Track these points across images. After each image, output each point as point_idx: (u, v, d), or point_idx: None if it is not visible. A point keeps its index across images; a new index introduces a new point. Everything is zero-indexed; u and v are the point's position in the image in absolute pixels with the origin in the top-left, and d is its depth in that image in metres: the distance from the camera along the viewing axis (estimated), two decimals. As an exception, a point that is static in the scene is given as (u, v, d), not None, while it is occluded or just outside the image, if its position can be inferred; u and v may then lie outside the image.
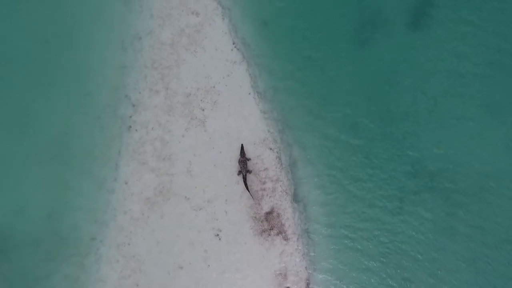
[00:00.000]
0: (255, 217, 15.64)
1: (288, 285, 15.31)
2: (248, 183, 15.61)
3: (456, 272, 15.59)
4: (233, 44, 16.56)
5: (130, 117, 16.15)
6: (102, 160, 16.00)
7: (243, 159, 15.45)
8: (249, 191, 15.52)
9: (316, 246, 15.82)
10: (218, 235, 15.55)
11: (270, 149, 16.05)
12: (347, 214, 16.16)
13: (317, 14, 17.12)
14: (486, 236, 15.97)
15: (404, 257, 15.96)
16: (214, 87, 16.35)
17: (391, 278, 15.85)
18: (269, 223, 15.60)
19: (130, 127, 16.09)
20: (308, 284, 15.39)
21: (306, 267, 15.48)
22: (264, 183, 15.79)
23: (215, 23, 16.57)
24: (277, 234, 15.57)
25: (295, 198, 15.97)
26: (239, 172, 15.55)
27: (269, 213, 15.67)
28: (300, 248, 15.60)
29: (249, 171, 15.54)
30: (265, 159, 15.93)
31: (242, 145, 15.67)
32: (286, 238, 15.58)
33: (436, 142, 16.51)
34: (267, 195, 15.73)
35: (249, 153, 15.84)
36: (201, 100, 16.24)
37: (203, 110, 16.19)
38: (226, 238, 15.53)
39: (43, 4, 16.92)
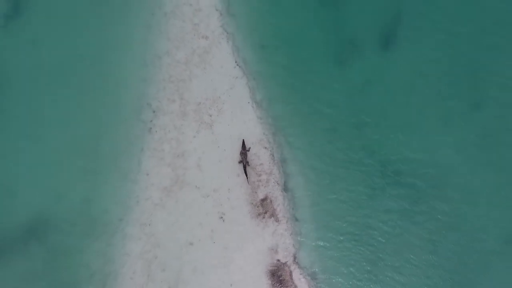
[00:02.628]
0: (252, 203, 18.83)
1: (278, 258, 18.45)
2: (247, 178, 18.82)
3: (411, 249, 18.71)
4: (236, 62, 19.78)
5: (151, 121, 19.30)
6: (127, 156, 19.01)
7: (244, 151, 18.69)
8: (247, 177, 18.72)
9: (301, 227, 18.88)
10: (222, 217, 18.71)
11: (265, 148, 19.32)
12: (328, 201, 19.17)
13: (304, 39, 20.38)
14: (441, 227, 18.80)
15: (371, 240, 18.83)
16: (219, 97, 19.58)
17: (362, 254, 18.80)
18: (263, 208, 18.79)
19: (151, 129, 19.25)
20: (295, 258, 18.54)
21: (293, 244, 18.59)
22: (259, 175, 19.07)
23: (221, 45, 19.82)
24: (270, 217, 18.75)
25: (285, 188, 19.12)
26: (240, 161, 18.79)
27: (264, 200, 18.89)
28: (289, 228, 18.72)
29: (248, 163, 18.77)
30: (261, 156, 19.18)
31: (243, 140, 18.92)
32: (277, 220, 18.77)
33: (400, 146, 19.50)
34: (262, 185, 18.99)
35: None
36: (209, 108, 19.49)
37: (210, 116, 19.44)
38: (228, 220, 18.67)
39: (79, 26, 20.08)
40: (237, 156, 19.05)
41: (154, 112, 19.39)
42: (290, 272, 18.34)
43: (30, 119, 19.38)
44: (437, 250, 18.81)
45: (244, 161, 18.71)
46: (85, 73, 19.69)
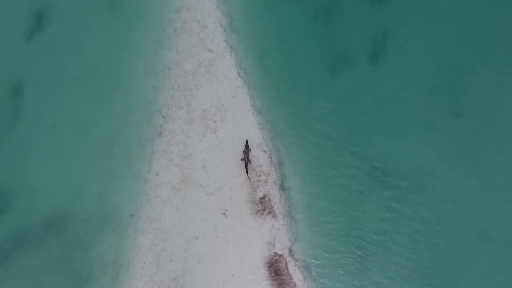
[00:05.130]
0: (252, 201, 20.53)
1: (275, 251, 20.12)
2: (247, 175, 20.54)
3: (394, 244, 20.42)
4: (238, 73, 21.45)
5: (161, 125, 20.93)
6: (139, 157, 20.61)
7: (246, 150, 20.36)
8: (247, 173, 20.38)
9: (297, 223, 20.54)
10: (224, 213, 20.36)
11: (264, 151, 21.00)
12: (321, 200, 20.79)
13: (299, 51, 22.03)
14: (423, 226, 20.24)
15: (360, 236, 20.38)
16: (223, 105, 21.23)
17: (351, 249, 20.38)
18: (262, 205, 20.49)
19: (161, 133, 20.89)
20: (290, 251, 20.24)
21: (289, 238, 20.27)
22: (259, 175, 20.79)
23: (225, 58, 21.50)
24: (268, 214, 20.42)
25: (282, 187, 20.79)
26: (242, 159, 20.48)
27: (263, 198, 20.58)
28: (285, 224, 20.38)
29: (249, 160, 20.53)
30: (260, 158, 20.87)
31: (246, 140, 20.58)
32: (275, 217, 20.44)
33: (386, 152, 20.96)
34: (261, 184, 20.71)
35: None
36: (213, 114, 21.16)
37: (215, 121, 21.10)
38: (230, 216, 20.31)
39: (96, 39, 21.77)
40: (239, 158, 20.68)
41: (163, 117, 21.02)
42: (286, 264, 20.01)
43: (50, 123, 21.01)
44: (419, 247, 20.42)
45: (246, 159, 20.39)
46: (101, 81, 21.35)
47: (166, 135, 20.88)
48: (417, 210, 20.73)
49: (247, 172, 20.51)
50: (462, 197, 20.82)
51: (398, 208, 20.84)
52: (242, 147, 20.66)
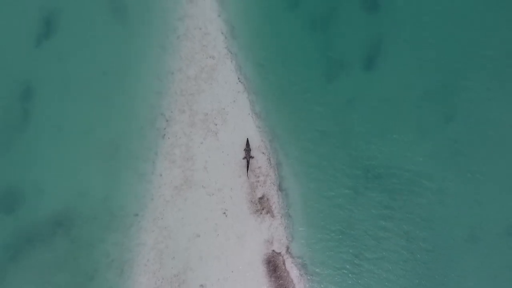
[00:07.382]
0: (251, 201, 21.33)
1: (273, 249, 20.94)
2: (247, 174, 21.28)
3: (386, 239, 21.32)
4: (238, 78, 22.23)
5: (164, 128, 21.69)
6: (143, 159, 21.35)
7: (247, 149, 21.14)
8: (247, 171, 21.09)
9: (294, 222, 21.34)
10: (225, 213, 21.14)
11: (263, 153, 21.79)
12: (317, 200, 21.55)
13: (297, 58, 22.81)
14: (415, 225, 20.96)
15: (354, 235, 21.10)
16: (224, 109, 22.02)
17: (345, 247, 21.09)
18: (261, 205, 21.29)
19: (164, 135, 21.63)
20: (288, 248, 21.06)
21: (286, 237, 21.07)
22: (258, 176, 21.60)
23: (226, 64, 22.30)
24: (267, 213, 21.23)
25: (280, 188, 21.57)
26: (244, 158, 21.26)
27: (261, 198, 21.38)
28: (283, 223, 21.17)
29: (251, 157, 21.22)
30: (259, 160, 21.69)
31: (247, 139, 21.33)
32: (273, 216, 21.25)
33: (381, 155, 21.70)
34: (260, 185, 21.55)
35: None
36: (214, 118, 21.94)
37: (216, 125, 21.89)
38: (230, 215, 21.09)
39: (102, 46, 22.52)
40: (240, 160, 21.49)
41: (167, 121, 21.78)
42: (283, 261, 20.82)
43: (58, 125, 21.76)
44: (410, 245, 21.18)
45: (247, 157, 21.13)
46: (107, 86, 22.09)
47: (169, 138, 21.63)
48: (409, 210, 21.40)
49: (247, 170, 21.18)
50: (453, 199, 21.49)
51: (390, 208, 21.54)
52: (243, 146, 21.37)
